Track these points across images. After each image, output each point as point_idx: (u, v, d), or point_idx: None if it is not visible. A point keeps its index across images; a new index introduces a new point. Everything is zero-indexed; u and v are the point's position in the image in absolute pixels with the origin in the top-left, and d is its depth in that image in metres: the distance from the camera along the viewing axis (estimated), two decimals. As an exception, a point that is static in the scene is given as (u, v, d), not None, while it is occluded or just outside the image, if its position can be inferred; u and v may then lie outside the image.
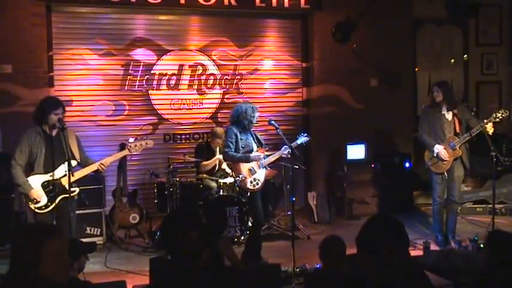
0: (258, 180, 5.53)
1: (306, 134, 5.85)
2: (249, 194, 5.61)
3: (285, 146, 5.44)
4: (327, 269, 3.53)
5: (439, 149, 5.89)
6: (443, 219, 6.13)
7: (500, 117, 5.71)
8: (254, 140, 5.65)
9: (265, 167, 5.59)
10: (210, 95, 7.76)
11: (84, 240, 4.87)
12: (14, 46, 6.62)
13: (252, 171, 5.51)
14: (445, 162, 5.91)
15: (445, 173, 5.96)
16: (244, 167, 5.51)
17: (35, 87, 6.65)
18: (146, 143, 5.16)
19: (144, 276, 4.71)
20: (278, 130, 5.30)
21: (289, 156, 5.45)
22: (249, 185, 5.50)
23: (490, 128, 5.68)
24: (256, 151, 5.58)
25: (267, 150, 5.73)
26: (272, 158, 5.64)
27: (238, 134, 5.50)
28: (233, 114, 5.57)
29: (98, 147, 6.80)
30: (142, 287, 4.48)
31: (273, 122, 5.39)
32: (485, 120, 5.73)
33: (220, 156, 6.69)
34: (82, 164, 4.94)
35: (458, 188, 6.08)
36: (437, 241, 6.08)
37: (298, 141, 5.74)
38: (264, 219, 5.72)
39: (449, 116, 5.96)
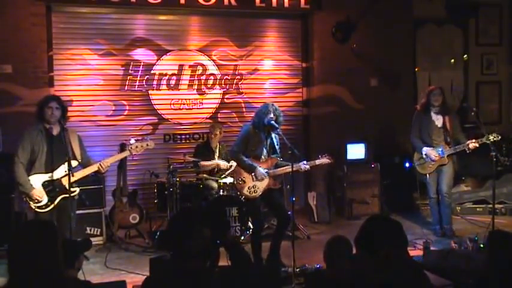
0: (257, 188, 5.27)
1: (327, 156, 5.53)
2: (245, 199, 5.49)
3: (304, 162, 5.31)
4: (329, 269, 3.52)
5: (427, 150, 6.15)
6: (439, 211, 6.38)
7: (492, 140, 5.77)
8: (267, 146, 5.34)
9: (271, 176, 5.32)
10: (210, 95, 7.77)
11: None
12: (14, 46, 6.62)
13: (254, 178, 5.28)
14: (430, 164, 6.15)
15: (428, 175, 6.21)
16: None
17: (35, 87, 6.66)
18: (147, 144, 5.14)
19: (144, 276, 4.69)
20: (278, 130, 5.23)
21: (306, 170, 5.39)
22: (245, 190, 5.30)
23: (472, 147, 5.91)
24: (266, 160, 5.32)
25: (281, 160, 5.40)
26: (284, 170, 5.32)
27: (252, 133, 5.26)
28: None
29: (98, 147, 6.81)
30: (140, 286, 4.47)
31: (272, 122, 5.16)
32: (473, 140, 5.90)
33: (220, 162, 6.69)
34: (84, 164, 4.95)
35: (446, 183, 6.25)
36: (435, 231, 6.38)
37: (317, 162, 5.48)
38: (287, 225, 5.39)
39: (438, 122, 6.16)
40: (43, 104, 4.82)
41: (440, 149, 6.15)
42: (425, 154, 6.16)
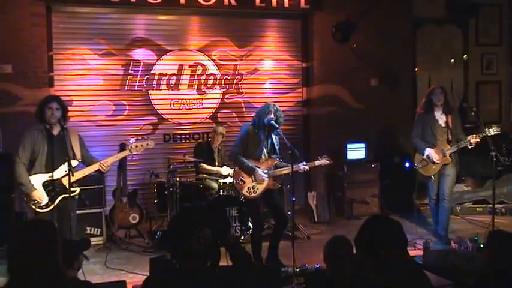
0: (257, 188, 5.26)
1: (327, 157, 5.55)
2: (244, 199, 5.50)
3: (303, 162, 5.31)
4: (329, 270, 3.51)
5: (429, 151, 6.06)
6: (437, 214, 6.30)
7: (492, 133, 5.78)
8: (267, 147, 5.31)
9: (270, 176, 5.30)
10: (210, 95, 7.77)
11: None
12: (14, 46, 6.61)
13: (253, 178, 5.27)
14: (434, 166, 6.06)
15: (433, 176, 6.11)
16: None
17: (35, 87, 6.65)
18: (147, 144, 5.14)
19: (144, 276, 4.70)
20: (278, 130, 5.21)
21: (305, 171, 5.40)
22: (245, 191, 5.28)
23: (474, 141, 5.86)
24: (265, 161, 5.30)
25: (281, 160, 5.39)
26: (283, 171, 5.32)
27: (251, 133, 5.23)
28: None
29: (98, 147, 6.79)
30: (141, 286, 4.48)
31: (272, 122, 5.14)
32: (474, 135, 5.86)
33: (222, 170, 6.71)
34: (86, 163, 4.95)
35: (449, 186, 6.17)
36: (435, 230, 6.32)
37: (317, 163, 5.48)
38: (284, 225, 5.39)
39: (442, 122, 6.11)
40: (43, 104, 4.82)
41: (442, 150, 6.07)
42: (428, 155, 6.07)
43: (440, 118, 6.14)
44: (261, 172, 5.25)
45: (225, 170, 6.71)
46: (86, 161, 4.99)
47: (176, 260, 2.55)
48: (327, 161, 5.54)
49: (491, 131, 5.77)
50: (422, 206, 7.61)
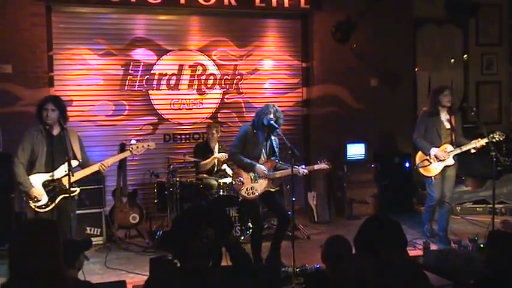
0: (255, 190, 5.22)
1: (327, 162, 5.46)
2: (241, 199, 5.47)
3: (302, 166, 5.28)
4: (329, 270, 3.52)
5: (435, 151, 5.95)
6: (434, 212, 6.24)
7: (497, 139, 5.76)
8: (266, 148, 5.30)
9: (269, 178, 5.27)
10: (210, 95, 7.77)
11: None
12: (14, 46, 6.62)
13: (252, 179, 5.25)
14: (435, 166, 5.98)
15: (433, 177, 6.02)
16: (247, 172, 5.29)
17: (35, 87, 6.66)
18: (148, 145, 5.13)
19: (144, 276, 4.71)
20: (278, 131, 5.20)
21: (304, 174, 5.33)
22: (243, 192, 5.25)
23: (480, 146, 5.81)
24: (265, 162, 5.28)
25: (280, 162, 5.34)
26: (283, 173, 5.29)
27: (250, 134, 5.21)
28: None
29: (98, 147, 6.81)
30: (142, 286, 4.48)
31: (271, 122, 5.11)
32: (479, 139, 5.81)
33: (218, 155, 6.70)
34: (82, 165, 4.95)
35: (450, 189, 6.14)
36: (424, 229, 6.28)
37: (316, 167, 5.41)
38: (287, 225, 5.33)
39: (447, 124, 6.02)
40: (40, 105, 4.83)
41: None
42: (435, 155, 5.94)
43: (446, 120, 6.03)
44: (261, 166, 5.22)
45: (221, 154, 6.68)
46: (82, 163, 4.97)
47: (178, 260, 2.55)
48: (326, 166, 5.46)
49: (496, 137, 5.75)
50: (422, 206, 7.61)
